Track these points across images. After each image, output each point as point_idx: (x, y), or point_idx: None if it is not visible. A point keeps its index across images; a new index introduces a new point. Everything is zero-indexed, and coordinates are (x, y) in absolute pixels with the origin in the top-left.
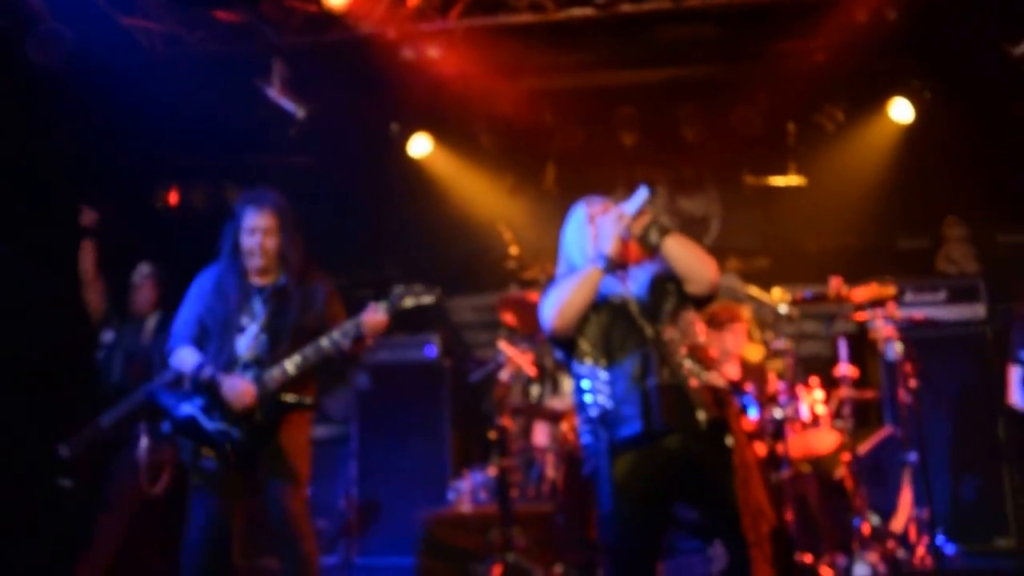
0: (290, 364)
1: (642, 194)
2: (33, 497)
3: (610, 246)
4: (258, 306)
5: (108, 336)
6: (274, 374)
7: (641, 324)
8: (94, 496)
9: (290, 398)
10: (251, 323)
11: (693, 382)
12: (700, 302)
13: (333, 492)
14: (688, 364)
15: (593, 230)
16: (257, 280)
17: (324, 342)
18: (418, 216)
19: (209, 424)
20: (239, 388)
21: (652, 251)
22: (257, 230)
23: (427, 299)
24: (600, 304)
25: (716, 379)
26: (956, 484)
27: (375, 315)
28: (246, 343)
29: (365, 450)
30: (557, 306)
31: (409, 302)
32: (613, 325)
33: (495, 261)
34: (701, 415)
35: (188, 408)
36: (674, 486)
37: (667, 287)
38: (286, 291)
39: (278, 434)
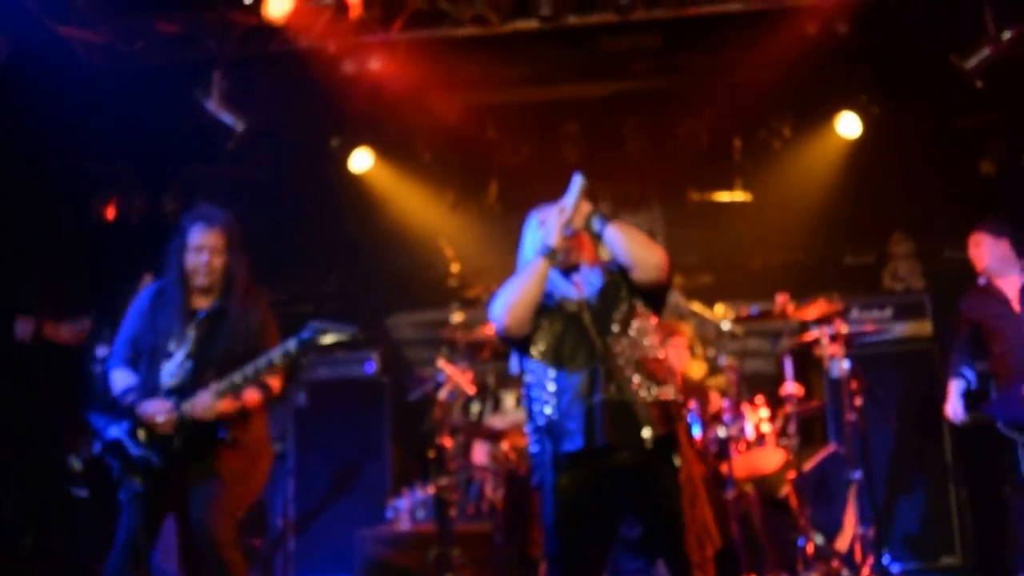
0: (209, 393)
1: (577, 182)
2: (52, 508)
3: (554, 237)
4: (190, 331)
5: (102, 351)
6: (193, 403)
7: (592, 336)
8: (111, 502)
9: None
10: (178, 349)
11: (641, 398)
12: (652, 296)
13: (271, 510)
14: (637, 379)
15: (543, 231)
16: (196, 302)
17: (237, 377)
18: (359, 231)
19: (133, 449)
20: (150, 410)
21: (596, 239)
22: (204, 248)
23: (341, 337)
24: (553, 309)
25: (667, 394)
26: (902, 502)
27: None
28: (170, 370)
29: (302, 467)
30: (506, 303)
31: (325, 340)
32: (566, 333)
33: (436, 278)
34: (647, 432)
35: (115, 431)
36: (619, 502)
37: (619, 292)
38: (220, 316)
39: (207, 458)
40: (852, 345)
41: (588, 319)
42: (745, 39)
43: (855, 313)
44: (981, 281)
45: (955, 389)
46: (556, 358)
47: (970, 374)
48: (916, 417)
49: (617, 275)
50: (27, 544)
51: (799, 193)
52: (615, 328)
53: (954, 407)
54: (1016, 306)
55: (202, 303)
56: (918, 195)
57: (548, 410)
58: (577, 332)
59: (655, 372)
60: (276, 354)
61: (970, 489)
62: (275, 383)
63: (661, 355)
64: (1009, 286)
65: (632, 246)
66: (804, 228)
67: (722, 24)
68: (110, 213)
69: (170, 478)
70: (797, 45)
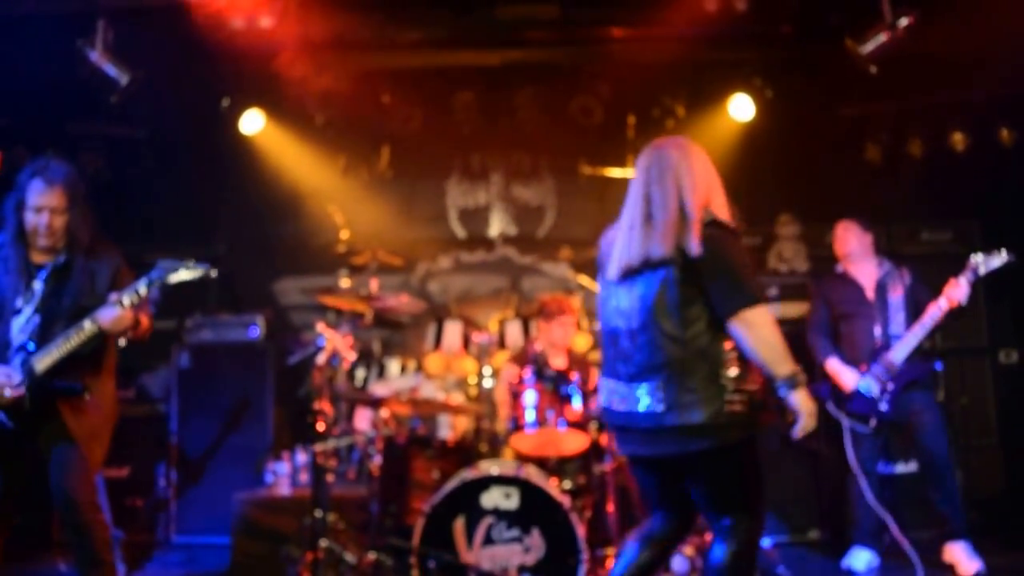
0: (55, 347)
1: None
2: None
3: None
4: (36, 286)
5: None
6: (41, 358)
7: None
8: None
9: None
10: (26, 305)
11: None
12: None
13: (152, 471)
14: None
15: None
16: (38, 258)
17: (86, 323)
18: (248, 194)
19: None
20: None
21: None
22: (44, 209)
23: (193, 274)
24: None
25: None
26: (775, 478)
27: (109, 311)
28: (19, 325)
29: (185, 429)
30: None
31: (175, 277)
32: None
33: (325, 244)
34: None
35: None
36: None
37: None
38: (66, 270)
39: (58, 419)
40: None
41: None
42: (644, 14)
43: None
44: (839, 268)
45: (839, 363)
46: None
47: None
48: None
49: None
50: None
51: None
52: None
53: (848, 377)
54: (870, 294)
55: (44, 259)
56: (806, 179)
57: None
58: None
59: None
60: (126, 293)
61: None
62: (144, 321)
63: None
64: (865, 276)
65: None
66: None
67: None
68: None
69: (24, 439)
70: (696, 22)
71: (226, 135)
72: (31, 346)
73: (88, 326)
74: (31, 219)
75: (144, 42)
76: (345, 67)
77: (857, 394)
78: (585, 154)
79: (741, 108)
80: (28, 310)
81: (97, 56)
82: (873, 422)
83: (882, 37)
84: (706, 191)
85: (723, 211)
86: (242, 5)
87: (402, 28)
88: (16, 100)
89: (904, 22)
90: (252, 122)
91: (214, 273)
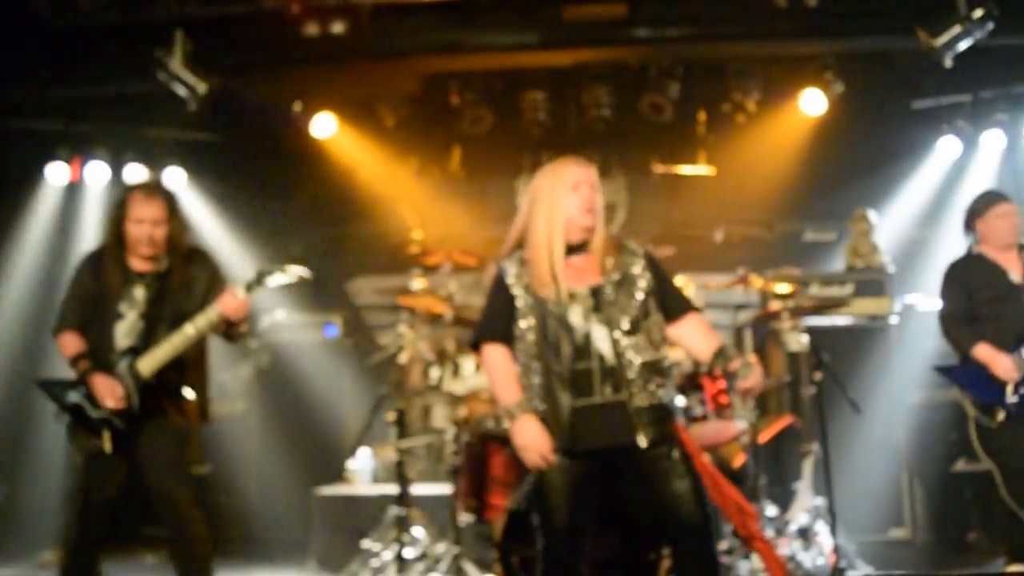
0: (160, 351)
1: None
2: None
3: None
4: (138, 293)
5: None
6: (147, 361)
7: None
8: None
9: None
10: (130, 310)
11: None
12: None
13: (236, 467)
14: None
15: None
16: (140, 266)
17: (189, 328)
18: (322, 196)
19: (94, 412)
20: (104, 389)
21: None
22: (145, 220)
23: (292, 278)
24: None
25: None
26: (854, 475)
27: (232, 299)
28: (124, 330)
29: (264, 426)
30: None
31: (273, 281)
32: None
33: (398, 244)
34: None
35: (75, 396)
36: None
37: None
38: (168, 278)
39: (162, 418)
40: (812, 319)
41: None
42: (713, 11)
43: (815, 288)
44: (975, 250)
45: (991, 349)
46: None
47: None
48: (872, 392)
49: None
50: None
51: (762, 168)
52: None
53: (1004, 363)
54: (1018, 277)
55: (146, 267)
56: (879, 174)
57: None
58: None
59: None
60: (237, 286)
61: (920, 463)
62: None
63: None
64: (1008, 260)
65: None
66: (766, 203)
67: None
68: (73, 174)
69: (129, 439)
70: (766, 18)
71: (299, 138)
72: (137, 349)
73: (190, 331)
74: (133, 230)
75: (220, 51)
76: (414, 71)
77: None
78: (656, 151)
79: (813, 103)
80: (132, 315)
81: (175, 65)
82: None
83: (956, 29)
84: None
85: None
86: (315, 12)
87: (470, 32)
88: (96, 107)
89: (979, 13)
90: (325, 126)
91: (308, 275)
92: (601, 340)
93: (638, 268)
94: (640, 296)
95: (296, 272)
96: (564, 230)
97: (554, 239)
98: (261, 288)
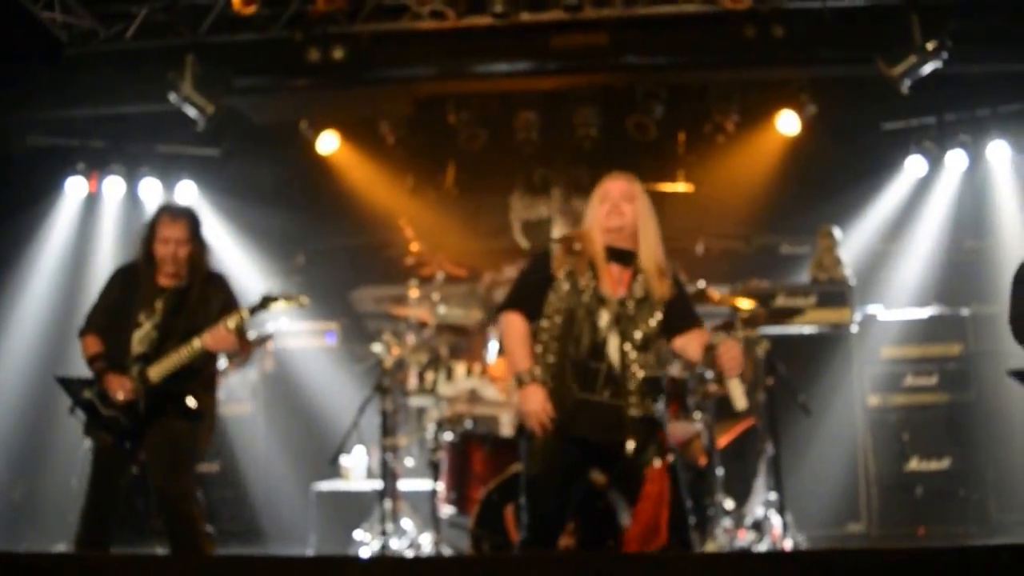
0: (168, 360)
1: None
2: None
3: None
4: (158, 306)
5: None
6: (155, 368)
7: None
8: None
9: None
10: (147, 320)
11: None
12: None
13: (242, 464)
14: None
15: None
16: (164, 282)
17: (196, 342)
18: (325, 210)
19: (104, 410)
20: (115, 384)
21: None
22: (170, 240)
23: (290, 304)
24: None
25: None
26: (813, 473)
27: (218, 333)
28: (139, 338)
29: (268, 427)
30: None
31: (276, 307)
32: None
33: (396, 256)
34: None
35: (89, 394)
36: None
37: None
38: (187, 295)
39: (166, 420)
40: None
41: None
42: (689, 38)
43: (781, 299)
44: None
45: None
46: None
47: None
48: (832, 395)
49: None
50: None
51: (741, 185)
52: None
53: None
54: None
55: (169, 282)
56: (851, 190)
57: None
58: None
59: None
60: (231, 318)
61: (876, 462)
62: (246, 348)
63: None
64: None
65: None
66: (744, 218)
67: (663, 23)
68: (91, 187)
69: (135, 436)
70: (738, 47)
71: (305, 155)
72: (148, 356)
73: (196, 344)
74: (159, 249)
75: (228, 73)
76: (411, 94)
77: None
78: (638, 169)
79: (788, 124)
80: (148, 325)
81: (186, 88)
82: None
83: (912, 59)
84: None
85: None
86: (319, 38)
87: (465, 57)
88: (113, 125)
89: (932, 45)
90: (328, 143)
91: (307, 302)
92: (613, 349)
93: (664, 290)
94: (659, 316)
95: (295, 299)
96: (598, 231)
97: (593, 238)
98: (265, 312)
